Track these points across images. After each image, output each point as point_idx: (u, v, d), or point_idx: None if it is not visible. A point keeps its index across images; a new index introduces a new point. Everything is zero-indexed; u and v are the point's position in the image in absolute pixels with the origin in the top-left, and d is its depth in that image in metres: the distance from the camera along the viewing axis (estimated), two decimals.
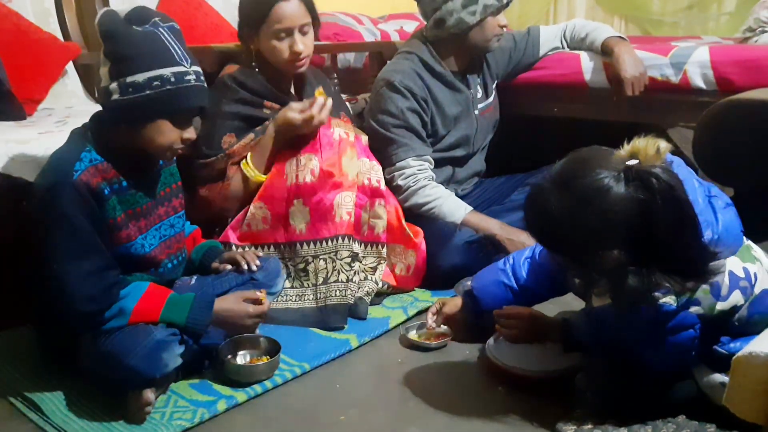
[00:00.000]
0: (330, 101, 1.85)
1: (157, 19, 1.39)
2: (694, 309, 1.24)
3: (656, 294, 1.21)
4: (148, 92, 1.35)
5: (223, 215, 1.89)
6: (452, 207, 2.03)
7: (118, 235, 1.44)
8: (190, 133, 1.45)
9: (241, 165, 1.86)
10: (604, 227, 1.16)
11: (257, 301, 1.51)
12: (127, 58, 1.35)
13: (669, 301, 1.22)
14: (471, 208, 2.05)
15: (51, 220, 1.35)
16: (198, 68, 1.42)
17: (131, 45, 1.35)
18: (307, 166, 1.80)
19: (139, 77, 1.34)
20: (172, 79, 1.36)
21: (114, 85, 1.36)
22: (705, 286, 1.23)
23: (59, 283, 1.34)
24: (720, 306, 1.25)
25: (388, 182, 2.02)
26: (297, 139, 1.84)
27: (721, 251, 1.22)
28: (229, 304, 1.48)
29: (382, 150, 2.02)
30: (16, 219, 1.49)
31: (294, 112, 1.82)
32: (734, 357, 1.07)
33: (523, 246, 1.94)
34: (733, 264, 1.26)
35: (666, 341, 1.25)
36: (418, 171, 2.03)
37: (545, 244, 1.31)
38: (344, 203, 1.81)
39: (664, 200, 1.11)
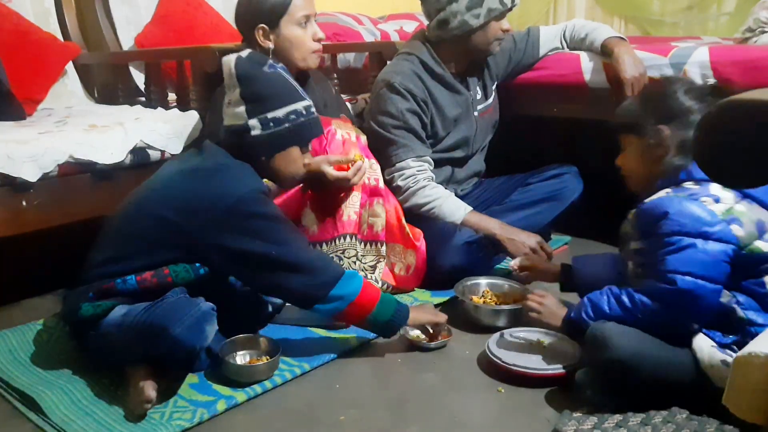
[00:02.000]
0: (366, 164, 1.86)
1: (271, 61, 1.58)
2: (735, 228, 1.30)
3: (704, 198, 1.32)
4: (286, 125, 1.54)
5: None
6: (452, 207, 2.03)
7: None
8: (309, 159, 1.65)
9: None
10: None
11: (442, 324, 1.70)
12: (265, 97, 1.52)
13: (717, 209, 1.31)
14: (471, 208, 2.05)
15: (268, 216, 1.47)
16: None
17: (268, 85, 1.53)
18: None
19: (279, 112, 1.53)
20: (304, 113, 1.56)
21: (254, 122, 1.52)
22: (752, 216, 1.31)
23: (294, 262, 1.47)
24: (758, 243, 1.30)
25: (388, 183, 2.02)
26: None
27: None
28: (426, 316, 1.68)
29: (382, 151, 2.03)
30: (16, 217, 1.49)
31: (331, 167, 1.80)
32: (734, 357, 1.07)
33: (523, 246, 1.94)
34: None
35: (702, 249, 1.29)
36: (418, 172, 2.03)
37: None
38: (352, 203, 1.83)
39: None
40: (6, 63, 2.08)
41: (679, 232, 1.31)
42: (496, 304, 1.83)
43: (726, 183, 1.36)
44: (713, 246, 1.29)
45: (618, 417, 1.32)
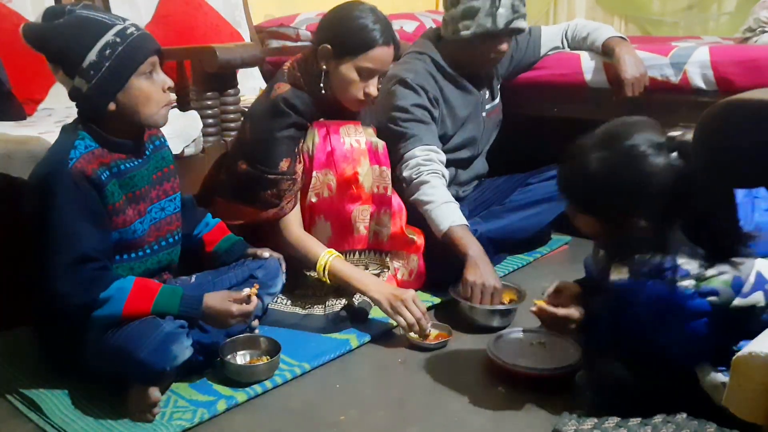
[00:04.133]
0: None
1: (68, 6, 1.41)
2: (711, 298, 1.23)
3: (676, 275, 1.23)
4: (107, 64, 1.36)
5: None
6: (442, 215, 1.91)
7: (115, 220, 1.44)
8: (166, 80, 1.46)
9: (319, 267, 1.76)
10: (638, 190, 1.22)
11: (245, 300, 1.48)
12: (69, 50, 1.37)
13: (688, 285, 1.23)
14: (463, 223, 1.89)
15: (40, 212, 1.36)
16: (130, 20, 1.44)
17: (64, 37, 1.37)
18: (324, 182, 1.80)
19: (92, 56, 1.36)
20: (118, 40, 1.37)
21: (77, 81, 1.38)
22: (726, 277, 1.23)
23: (45, 276, 1.35)
24: (737, 302, 1.23)
25: (398, 177, 1.97)
26: (313, 159, 1.81)
27: (754, 243, 1.23)
28: (215, 302, 1.44)
29: (393, 145, 1.97)
30: (16, 218, 1.49)
31: (412, 329, 1.69)
32: (734, 357, 1.07)
33: (481, 280, 1.79)
34: (763, 266, 1.24)
35: (678, 325, 1.24)
36: (423, 162, 1.95)
37: (577, 201, 1.33)
38: (361, 217, 1.81)
39: (703, 170, 1.17)
40: (6, 63, 2.08)
41: (655, 320, 1.26)
42: (490, 304, 1.83)
43: (725, 182, 1.36)
44: (691, 325, 1.25)
45: (618, 417, 1.32)
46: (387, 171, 1.89)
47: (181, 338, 1.37)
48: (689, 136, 1.21)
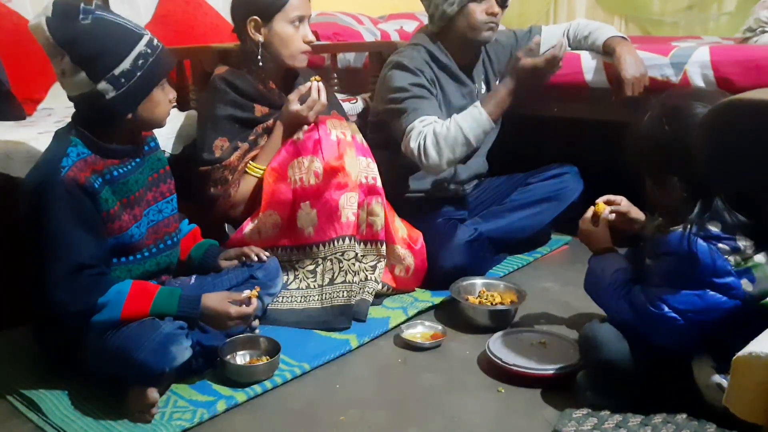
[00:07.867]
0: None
1: (83, 6, 1.38)
2: (745, 282, 1.25)
3: (722, 245, 1.24)
4: (139, 73, 1.39)
5: (233, 218, 1.92)
6: (467, 119, 1.90)
7: (111, 226, 1.45)
8: (172, 91, 1.50)
9: (247, 170, 1.89)
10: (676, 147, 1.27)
11: (244, 302, 1.48)
12: (102, 55, 1.36)
13: (730, 260, 1.24)
14: (477, 103, 1.92)
15: (34, 220, 1.36)
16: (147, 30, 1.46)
17: (97, 40, 1.36)
18: (309, 169, 1.80)
19: (126, 64, 1.38)
20: (149, 51, 1.41)
21: (103, 85, 1.37)
22: None
23: (42, 284, 1.35)
24: None
25: (404, 152, 1.96)
26: (298, 143, 1.84)
27: None
28: (213, 302, 1.44)
29: (396, 125, 1.97)
30: (16, 218, 1.50)
31: (296, 104, 1.85)
32: (734, 357, 1.07)
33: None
34: None
35: (704, 295, 1.25)
36: (424, 127, 1.92)
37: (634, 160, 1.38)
38: (349, 204, 1.81)
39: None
40: (6, 63, 2.08)
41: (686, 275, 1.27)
42: (492, 304, 1.83)
43: (726, 183, 1.36)
44: (712, 296, 1.26)
45: (618, 417, 1.32)
46: (374, 164, 1.90)
47: (181, 339, 1.38)
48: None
